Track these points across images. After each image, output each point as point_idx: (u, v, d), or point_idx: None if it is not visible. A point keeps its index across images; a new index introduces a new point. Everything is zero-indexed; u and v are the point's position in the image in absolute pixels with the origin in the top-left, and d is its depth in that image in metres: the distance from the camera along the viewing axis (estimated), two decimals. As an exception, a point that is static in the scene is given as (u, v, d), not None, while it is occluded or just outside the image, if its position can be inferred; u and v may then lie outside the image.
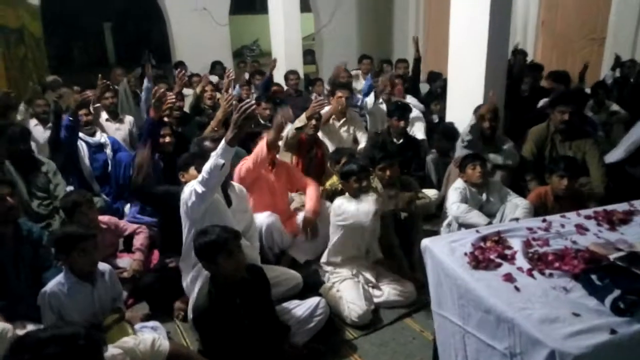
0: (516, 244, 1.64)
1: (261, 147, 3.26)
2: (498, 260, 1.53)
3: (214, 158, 2.41)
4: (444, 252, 1.62)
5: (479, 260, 1.52)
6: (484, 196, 3.38)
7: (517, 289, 1.39)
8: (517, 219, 3.10)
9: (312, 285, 3.11)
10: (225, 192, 2.85)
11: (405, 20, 9.13)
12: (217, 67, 7.32)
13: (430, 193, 3.85)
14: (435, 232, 3.54)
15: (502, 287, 1.41)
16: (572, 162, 3.29)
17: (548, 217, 1.85)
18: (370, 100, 5.42)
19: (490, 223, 3.15)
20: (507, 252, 1.58)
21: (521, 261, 1.53)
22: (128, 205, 4.00)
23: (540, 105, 4.89)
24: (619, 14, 6.56)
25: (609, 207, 1.91)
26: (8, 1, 5.61)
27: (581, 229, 1.75)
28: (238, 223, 2.89)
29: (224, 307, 2.25)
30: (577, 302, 1.31)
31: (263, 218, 3.27)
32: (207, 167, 2.43)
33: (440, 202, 3.82)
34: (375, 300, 2.98)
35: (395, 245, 3.29)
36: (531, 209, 3.26)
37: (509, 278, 1.44)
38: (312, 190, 3.58)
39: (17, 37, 5.75)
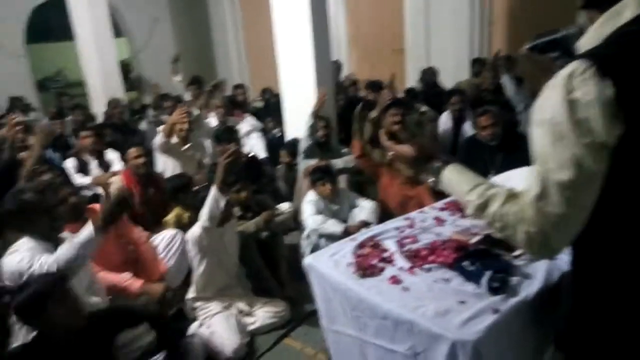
0: (391, 245, 1.71)
1: None
2: (380, 264, 1.58)
3: (72, 249, 2.06)
4: (328, 266, 1.62)
5: (364, 268, 1.55)
6: (336, 205, 3.52)
7: (405, 289, 1.45)
8: (365, 221, 3.37)
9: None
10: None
11: (225, 42, 9.15)
12: (17, 103, 6.37)
13: (285, 207, 3.88)
14: (297, 246, 3.58)
15: (392, 291, 1.45)
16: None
17: (410, 215, 1.99)
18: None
19: (345, 228, 3.29)
20: (385, 255, 1.65)
21: (400, 261, 1.60)
22: None
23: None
24: (412, 27, 7.51)
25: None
26: None
27: (439, 220, 1.91)
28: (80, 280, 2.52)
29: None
30: (459, 290, 1.41)
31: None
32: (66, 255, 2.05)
33: (296, 215, 3.89)
34: (250, 328, 2.89)
35: (261, 267, 3.23)
36: (375, 207, 3.52)
37: (395, 280, 1.49)
38: (149, 255, 3.15)
39: None
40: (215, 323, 2.81)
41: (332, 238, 3.34)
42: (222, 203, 2.70)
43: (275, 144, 5.40)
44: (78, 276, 2.46)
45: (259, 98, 7.16)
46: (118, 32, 8.03)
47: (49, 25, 8.45)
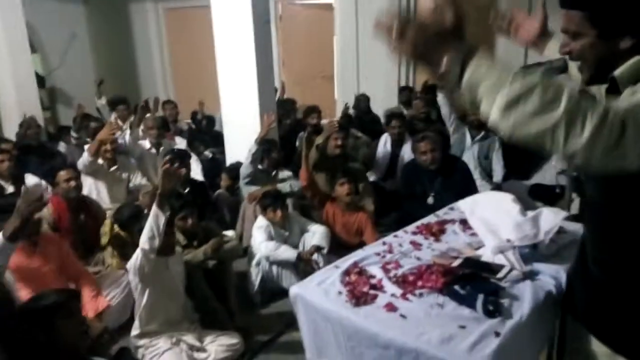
0: (376, 271, 1.69)
1: None
2: (372, 292, 1.55)
3: None
4: (317, 296, 1.56)
5: (356, 296, 1.51)
6: (287, 231, 3.46)
7: (402, 316, 1.43)
8: (318, 246, 3.34)
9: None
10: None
11: (149, 59, 8.80)
12: None
13: (230, 234, 3.75)
14: (245, 273, 3.45)
15: (390, 318, 1.43)
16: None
17: (386, 239, 1.99)
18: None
19: (299, 254, 3.24)
20: (373, 281, 1.62)
21: (390, 287, 1.58)
22: None
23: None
24: (341, 55, 7.74)
25: (424, 221, 2.17)
26: None
27: (416, 244, 1.93)
28: None
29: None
30: (456, 315, 1.42)
31: None
32: None
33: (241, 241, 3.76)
34: (206, 363, 2.70)
35: (211, 298, 3.06)
36: (327, 232, 3.50)
37: (391, 307, 1.47)
38: (88, 290, 2.91)
39: None
40: (165, 360, 2.60)
41: (284, 265, 3.29)
42: (162, 221, 2.52)
43: (207, 167, 5.23)
44: None
45: (188, 120, 6.93)
46: (32, 48, 7.42)
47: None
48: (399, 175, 4.47)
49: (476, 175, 4.35)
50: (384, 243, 1.94)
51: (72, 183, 3.38)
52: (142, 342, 2.70)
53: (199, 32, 8.08)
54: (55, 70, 8.22)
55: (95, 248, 3.39)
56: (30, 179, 4.14)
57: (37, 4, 5.98)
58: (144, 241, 2.57)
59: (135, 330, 2.72)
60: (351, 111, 6.31)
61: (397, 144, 4.86)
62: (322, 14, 8.19)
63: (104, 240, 3.29)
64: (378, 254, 1.83)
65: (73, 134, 5.42)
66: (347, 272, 1.68)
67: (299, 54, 8.14)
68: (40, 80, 7.22)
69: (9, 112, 5.26)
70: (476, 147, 4.66)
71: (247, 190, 4.10)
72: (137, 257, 2.64)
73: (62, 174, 3.37)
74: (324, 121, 5.40)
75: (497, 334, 1.33)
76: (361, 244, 3.30)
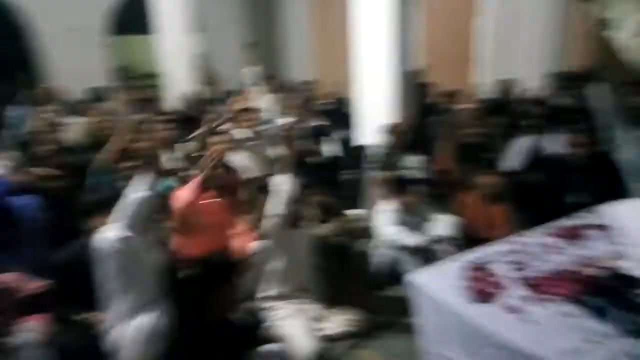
0: (502, 270, 1.65)
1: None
2: (495, 290, 1.52)
3: None
4: (436, 288, 1.58)
5: (477, 292, 1.51)
6: (412, 217, 3.46)
7: (524, 319, 1.39)
8: (443, 236, 3.29)
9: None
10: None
11: (291, 40, 9.21)
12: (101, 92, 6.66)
13: (357, 213, 3.87)
14: (368, 254, 3.55)
15: (510, 320, 1.40)
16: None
17: (518, 238, 1.91)
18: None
19: (422, 241, 3.23)
20: (497, 280, 1.59)
21: (516, 289, 1.54)
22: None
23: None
24: (483, 37, 7.32)
25: (565, 223, 2.03)
26: None
27: (551, 247, 1.82)
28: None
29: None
30: (584, 327, 1.34)
31: None
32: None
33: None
34: (323, 334, 2.87)
35: (335, 274, 3.22)
36: (455, 222, 3.42)
37: (513, 309, 1.43)
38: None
39: None
40: (288, 326, 2.81)
41: (408, 250, 3.31)
42: (289, 187, 2.74)
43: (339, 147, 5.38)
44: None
45: (326, 101, 7.14)
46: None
47: (129, 19, 8.82)
48: (538, 169, 4.15)
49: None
50: (515, 242, 1.87)
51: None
52: (267, 304, 2.94)
53: (339, 11, 8.28)
54: (211, 49, 9.08)
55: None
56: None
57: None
58: (273, 207, 2.78)
59: (262, 293, 2.98)
60: (492, 96, 5.97)
61: (538, 134, 4.50)
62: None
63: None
64: (507, 252, 1.77)
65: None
66: (472, 267, 1.66)
67: (438, 35, 7.87)
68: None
69: (172, 86, 5.94)
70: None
71: (374, 172, 4.16)
72: (269, 222, 2.88)
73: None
74: (461, 106, 5.19)
75: (629, 357, 1.23)
76: (491, 239, 3.20)
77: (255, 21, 9.47)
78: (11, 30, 7.72)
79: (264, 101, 5.97)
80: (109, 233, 2.21)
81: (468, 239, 3.42)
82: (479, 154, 3.88)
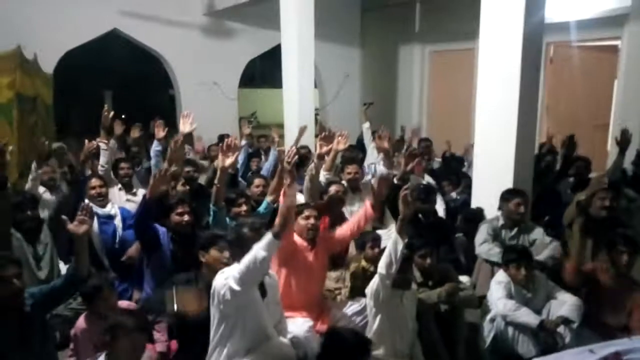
0: (648, 371, 1.40)
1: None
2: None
3: (256, 251, 2.24)
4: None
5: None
6: (530, 292, 3.15)
7: None
8: (566, 318, 2.92)
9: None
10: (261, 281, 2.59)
11: (409, 97, 9.28)
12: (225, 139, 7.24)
13: (463, 279, 3.63)
14: (475, 325, 3.29)
15: None
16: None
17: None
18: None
19: (541, 322, 2.91)
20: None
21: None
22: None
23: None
24: (623, 102, 6.72)
25: None
26: (26, 70, 5.58)
27: None
28: (272, 316, 2.63)
29: None
30: None
31: (298, 327, 2.84)
32: (246, 261, 2.25)
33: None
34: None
35: (438, 343, 3.02)
36: (579, 304, 3.05)
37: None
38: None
39: (31, 105, 5.66)
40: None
41: (522, 329, 3.00)
42: (400, 247, 2.68)
43: (452, 209, 5.18)
44: (271, 313, 2.59)
45: (438, 157, 7.02)
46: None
47: (258, 73, 9.63)
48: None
49: None
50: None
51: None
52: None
53: (460, 75, 8.23)
54: (328, 105, 9.50)
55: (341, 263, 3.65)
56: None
57: (320, 47, 7.06)
58: (381, 266, 2.73)
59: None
60: (628, 167, 5.41)
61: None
62: (602, 56, 7.32)
63: (353, 266, 3.41)
64: (653, 350, 1.51)
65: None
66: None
67: (568, 99, 7.43)
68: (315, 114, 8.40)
69: (292, 137, 6.23)
70: None
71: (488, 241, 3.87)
72: (374, 281, 2.83)
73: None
74: (592, 175, 4.78)
75: None
76: (627, 328, 2.79)
77: (375, 79, 9.77)
78: (157, 80, 8.81)
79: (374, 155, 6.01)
80: (229, 280, 2.29)
81: (598, 325, 3.02)
82: (604, 230, 3.46)
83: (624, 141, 4.68)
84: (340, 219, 3.77)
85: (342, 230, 3.30)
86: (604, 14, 6.54)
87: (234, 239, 2.57)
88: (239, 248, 2.43)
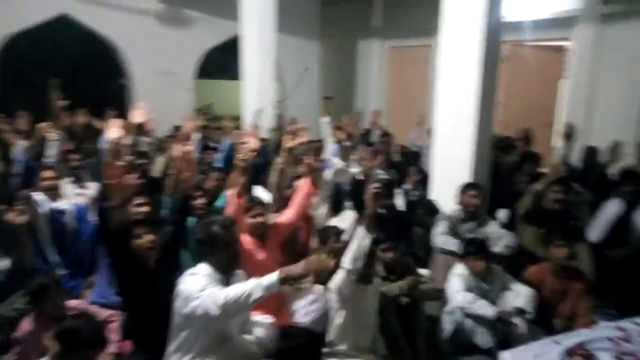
0: (607, 358, 1.45)
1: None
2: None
3: (253, 288, 2.06)
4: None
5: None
6: (487, 284, 3.24)
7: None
8: (521, 309, 3.02)
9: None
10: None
11: (367, 100, 9.37)
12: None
13: (424, 273, 3.67)
14: (434, 317, 3.34)
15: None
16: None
17: (622, 324, 1.70)
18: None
19: (498, 313, 3.00)
20: (605, 371, 1.39)
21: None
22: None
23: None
24: (570, 102, 7.05)
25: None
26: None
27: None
28: (240, 316, 2.55)
29: None
30: None
31: (259, 325, 2.70)
32: (238, 292, 2.06)
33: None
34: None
35: (399, 336, 3.04)
36: (533, 295, 3.16)
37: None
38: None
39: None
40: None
41: (480, 320, 3.08)
42: (367, 242, 2.70)
43: (410, 202, 5.24)
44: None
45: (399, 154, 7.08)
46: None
47: (214, 64, 9.38)
48: (629, 244, 3.82)
49: None
50: (620, 328, 1.66)
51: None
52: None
53: (417, 70, 8.37)
54: (287, 98, 9.41)
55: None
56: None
57: (280, 39, 6.97)
58: (348, 261, 2.71)
59: (325, 348, 2.86)
60: (575, 164, 5.66)
61: (629, 207, 4.17)
62: (550, 55, 7.62)
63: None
64: (611, 340, 1.58)
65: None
66: (570, 352, 1.48)
67: (519, 97, 7.69)
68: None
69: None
70: None
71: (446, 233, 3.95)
72: (339, 276, 2.81)
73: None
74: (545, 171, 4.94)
75: None
76: (568, 316, 2.91)
77: (334, 73, 9.78)
78: (109, 68, 8.41)
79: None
80: (207, 301, 2.08)
81: (543, 315, 3.14)
82: (556, 223, 3.61)
83: (568, 131, 4.79)
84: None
85: (287, 214, 3.28)
86: (555, 14, 6.81)
87: (204, 237, 2.36)
88: (208, 247, 2.33)
